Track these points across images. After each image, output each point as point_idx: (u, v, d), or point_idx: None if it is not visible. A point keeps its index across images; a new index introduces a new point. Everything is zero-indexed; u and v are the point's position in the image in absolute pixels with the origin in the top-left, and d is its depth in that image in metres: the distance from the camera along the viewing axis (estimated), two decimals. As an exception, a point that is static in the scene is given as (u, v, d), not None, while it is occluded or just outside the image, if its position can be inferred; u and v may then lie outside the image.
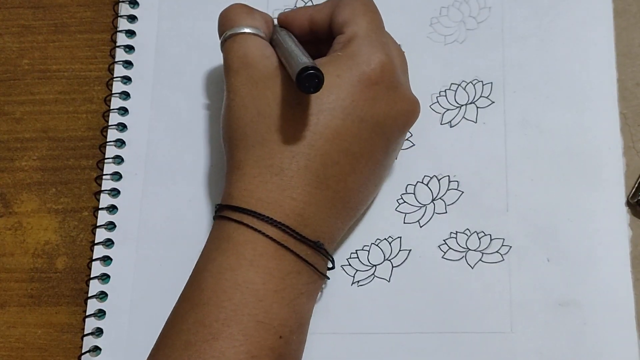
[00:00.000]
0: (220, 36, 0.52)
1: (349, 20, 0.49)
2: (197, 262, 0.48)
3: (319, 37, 0.52)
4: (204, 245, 0.48)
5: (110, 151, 0.58)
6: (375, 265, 0.54)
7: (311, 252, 0.47)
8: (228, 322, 0.43)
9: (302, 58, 0.44)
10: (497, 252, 0.53)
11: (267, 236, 0.45)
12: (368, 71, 0.47)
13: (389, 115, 0.48)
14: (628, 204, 0.54)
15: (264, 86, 0.47)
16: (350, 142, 0.47)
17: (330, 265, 0.50)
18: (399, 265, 0.54)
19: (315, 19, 0.52)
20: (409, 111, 0.50)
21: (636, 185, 0.54)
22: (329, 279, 0.51)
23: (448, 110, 0.57)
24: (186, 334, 0.44)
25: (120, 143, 0.58)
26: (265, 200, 0.46)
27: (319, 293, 0.52)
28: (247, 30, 0.50)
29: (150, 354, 0.47)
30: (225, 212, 0.47)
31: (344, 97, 0.46)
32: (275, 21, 0.54)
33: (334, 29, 0.50)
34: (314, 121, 0.46)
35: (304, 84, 0.42)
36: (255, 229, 0.45)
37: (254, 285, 0.45)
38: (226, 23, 0.51)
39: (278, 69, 0.48)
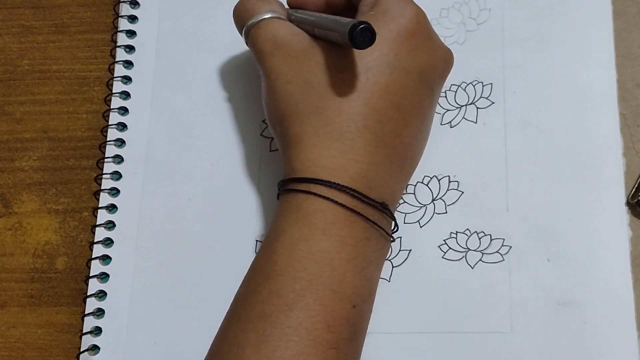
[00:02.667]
0: (240, 30, 0.52)
1: None
2: (266, 236, 0.48)
3: (336, 11, 0.52)
4: (272, 221, 0.48)
5: (110, 150, 0.58)
6: (375, 265, 0.54)
7: (378, 216, 0.47)
8: (303, 292, 0.43)
9: (343, 19, 0.45)
10: (497, 252, 0.53)
11: (337, 203, 0.45)
12: (405, 23, 0.47)
13: (430, 64, 0.49)
14: (628, 204, 0.54)
15: (304, 58, 0.48)
16: (400, 96, 0.47)
17: (393, 227, 0.49)
18: (399, 265, 0.54)
19: None
20: (446, 59, 0.50)
21: (636, 186, 0.54)
22: (394, 240, 0.51)
23: (448, 110, 0.57)
24: (261, 305, 0.44)
25: (120, 142, 0.58)
26: (330, 166, 0.46)
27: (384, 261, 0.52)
28: (268, 15, 0.50)
29: (221, 327, 0.46)
30: (290, 185, 0.47)
31: (387, 52, 0.47)
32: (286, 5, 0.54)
33: None
34: (364, 80, 0.46)
35: (359, 39, 0.43)
36: (325, 197, 0.45)
37: (328, 254, 0.44)
38: (244, 15, 0.51)
39: (313, 41, 0.48)
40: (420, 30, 0.48)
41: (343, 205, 0.45)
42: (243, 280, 0.47)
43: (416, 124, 0.49)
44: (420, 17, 0.48)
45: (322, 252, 0.44)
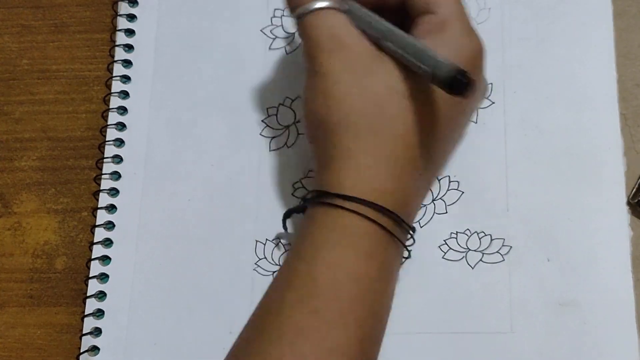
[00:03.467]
0: (292, 11, 0.49)
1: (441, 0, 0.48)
2: (301, 248, 0.46)
3: (386, 9, 0.50)
4: (303, 228, 0.47)
5: (110, 150, 0.58)
6: (375, 265, 0.54)
7: (404, 237, 0.48)
8: (344, 313, 0.43)
9: (435, 54, 0.44)
10: (497, 252, 0.53)
11: (382, 227, 0.45)
12: (469, 57, 0.47)
13: (478, 98, 0.50)
14: (628, 204, 0.54)
15: (369, 72, 0.46)
16: (450, 128, 0.48)
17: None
18: (399, 265, 0.54)
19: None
20: (484, 92, 0.52)
21: (636, 186, 0.54)
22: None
23: (448, 110, 0.57)
24: (298, 321, 0.43)
25: (120, 142, 0.58)
26: (380, 189, 0.45)
27: None
28: (325, 4, 0.48)
29: (243, 340, 0.46)
30: (335, 200, 0.46)
31: None
32: None
33: (415, 3, 0.49)
34: (425, 111, 0.46)
35: (457, 90, 0.42)
36: (373, 220, 0.45)
37: (370, 278, 0.45)
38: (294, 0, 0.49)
39: (378, 53, 0.47)
40: (478, 65, 0.48)
41: (388, 231, 0.45)
42: (271, 293, 0.47)
43: (453, 151, 0.50)
44: (481, 53, 0.48)
45: (365, 276, 0.44)
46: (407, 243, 0.49)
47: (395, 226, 0.46)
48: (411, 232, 0.48)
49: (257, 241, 0.55)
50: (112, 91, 0.59)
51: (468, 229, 0.54)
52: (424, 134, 0.46)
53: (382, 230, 0.45)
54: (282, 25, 0.60)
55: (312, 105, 0.48)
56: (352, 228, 0.45)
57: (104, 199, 0.57)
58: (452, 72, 0.42)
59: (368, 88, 0.46)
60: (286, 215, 0.52)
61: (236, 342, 0.46)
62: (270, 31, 0.60)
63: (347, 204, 0.45)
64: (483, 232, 0.54)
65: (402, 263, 0.51)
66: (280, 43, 0.60)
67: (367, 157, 0.46)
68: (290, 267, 0.46)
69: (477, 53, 0.47)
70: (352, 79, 0.46)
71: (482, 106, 0.57)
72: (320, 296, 0.44)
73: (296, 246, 0.47)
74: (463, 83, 0.42)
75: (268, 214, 0.56)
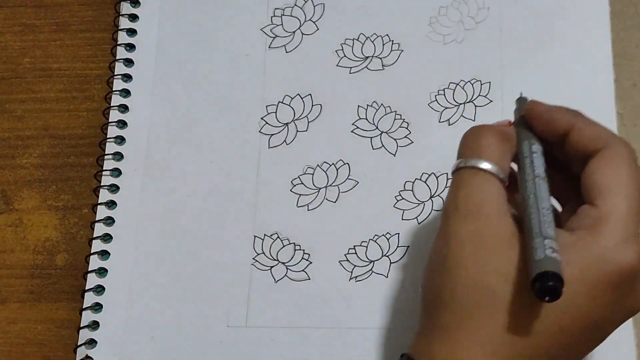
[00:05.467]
0: (458, 156, 0.45)
1: (608, 190, 0.41)
2: None
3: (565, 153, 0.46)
4: None
5: (110, 148, 0.58)
6: (373, 261, 0.54)
7: None
8: None
9: (540, 250, 0.39)
10: (494, 249, 0.53)
11: None
12: (616, 272, 0.40)
13: (619, 318, 0.43)
14: (625, 202, 0.54)
15: (492, 252, 0.41)
16: (572, 342, 0.41)
17: None
18: (396, 261, 0.54)
19: (573, 141, 0.45)
20: (635, 310, 0.43)
21: (633, 184, 0.54)
22: None
23: (447, 108, 0.57)
24: None
25: (120, 140, 0.58)
26: None
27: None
28: (490, 167, 0.43)
29: None
30: None
31: (583, 297, 0.40)
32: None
33: (585, 185, 0.43)
34: (543, 314, 0.40)
35: (539, 292, 0.38)
36: None
37: None
38: (466, 147, 0.45)
39: (513, 234, 0.41)
40: (629, 282, 0.41)
41: None
42: None
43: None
44: (636, 269, 0.40)
45: None
46: None
47: None
48: None
49: (255, 237, 0.55)
50: (114, 89, 0.59)
51: (466, 226, 0.54)
52: (535, 340, 0.40)
53: None
54: (282, 24, 0.60)
55: (429, 268, 0.45)
56: None
57: (104, 195, 0.57)
58: (536, 272, 0.38)
59: (486, 270, 0.41)
60: None
61: None
62: (270, 30, 0.60)
63: None
64: (480, 229, 0.54)
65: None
66: (280, 42, 0.60)
67: (463, 338, 0.41)
68: None
69: (624, 273, 0.40)
70: (473, 255, 0.41)
71: (480, 104, 0.57)
72: None
73: None
74: (546, 289, 0.38)
75: (266, 210, 0.56)
